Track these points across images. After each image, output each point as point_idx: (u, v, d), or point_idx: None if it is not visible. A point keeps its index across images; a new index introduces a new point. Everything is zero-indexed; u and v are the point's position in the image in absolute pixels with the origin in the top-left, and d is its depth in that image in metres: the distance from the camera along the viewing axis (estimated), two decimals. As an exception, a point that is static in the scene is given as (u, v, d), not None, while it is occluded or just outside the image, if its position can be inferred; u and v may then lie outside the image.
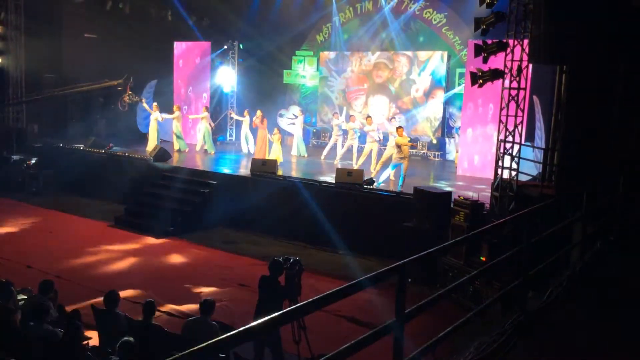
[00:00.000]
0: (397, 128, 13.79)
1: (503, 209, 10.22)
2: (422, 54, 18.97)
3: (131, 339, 5.41)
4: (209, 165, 16.30)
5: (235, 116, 18.44)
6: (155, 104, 17.92)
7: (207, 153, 18.02)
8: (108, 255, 11.69)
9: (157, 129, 17.55)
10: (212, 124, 18.81)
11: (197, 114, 18.85)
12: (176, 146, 18.08)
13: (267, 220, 13.42)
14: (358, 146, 16.40)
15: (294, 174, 14.40)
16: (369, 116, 16.24)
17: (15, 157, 17.51)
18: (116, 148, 17.47)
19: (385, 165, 14.24)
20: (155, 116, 17.48)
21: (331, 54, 20.96)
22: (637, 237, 7.45)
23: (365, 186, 12.57)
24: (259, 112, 16.96)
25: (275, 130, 16.59)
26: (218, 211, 14.10)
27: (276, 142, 16.04)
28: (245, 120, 18.19)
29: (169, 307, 8.88)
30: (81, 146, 17.65)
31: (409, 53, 19.27)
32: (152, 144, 17.25)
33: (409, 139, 13.46)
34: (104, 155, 16.90)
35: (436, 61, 18.68)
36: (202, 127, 18.21)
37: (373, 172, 14.60)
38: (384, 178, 13.54)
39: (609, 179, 7.64)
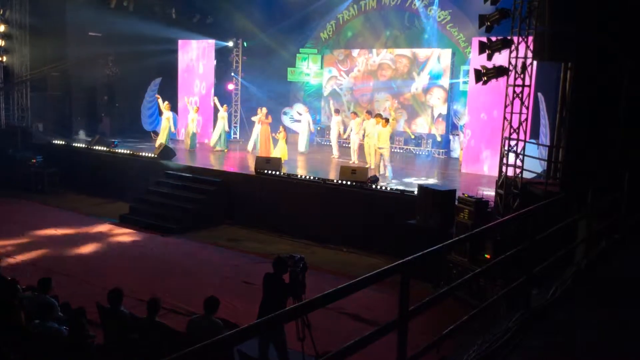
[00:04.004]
0: (375, 116, 14.70)
1: (507, 207, 10.20)
2: (421, 55, 19.19)
3: None
4: (213, 163, 16.33)
5: (254, 118, 18.34)
6: (167, 103, 17.88)
7: (217, 150, 18.02)
8: (113, 253, 11.72)
9: (169, 128, 17.53)
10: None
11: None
12: (186, 145, 18.04)
13: (271, 218, 13.46)
14: (359, 143, 16.43)
15: (298, 171, 14.42)
16: (368, 112, 16.52)
17: (20, 156, 17.58)
18: (121, 146, 17.51)
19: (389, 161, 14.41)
20: (168, 115, 17.43)
21: (340, 55, 21.02)
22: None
23: (369, 184, 12.57)
24: (264, 109, 16.94)
25: (281, 128, 16.61)
26: (222, 209, 14.15)
27: (281, 140, 16.07)
28: (305, 116, 18.54)
29: (174, 304, 8.89)
30: (86, 145, 17.70)
31: (409, 54, 19.42)
32: (164, 142, 17.32)
33: (382, 127, 14.09)
34: (108, 154, 16.94)
35: (434, 61, 18.94)
36: (221, 125, 18.12)
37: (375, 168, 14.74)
38: (390, 173, 13.66)
39: (614, 176, 7.61)
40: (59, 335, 5.77)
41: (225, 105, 18.75)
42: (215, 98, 18.92)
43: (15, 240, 12.16)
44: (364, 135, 15.84)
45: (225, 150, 18.18)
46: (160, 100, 18.06)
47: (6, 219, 13.95)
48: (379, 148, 14.34)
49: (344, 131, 17.48)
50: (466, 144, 15.70)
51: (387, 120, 14.59)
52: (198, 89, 20.01)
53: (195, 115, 17.99)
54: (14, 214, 14.54)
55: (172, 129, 17.83)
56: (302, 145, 18.51)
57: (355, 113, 17.26)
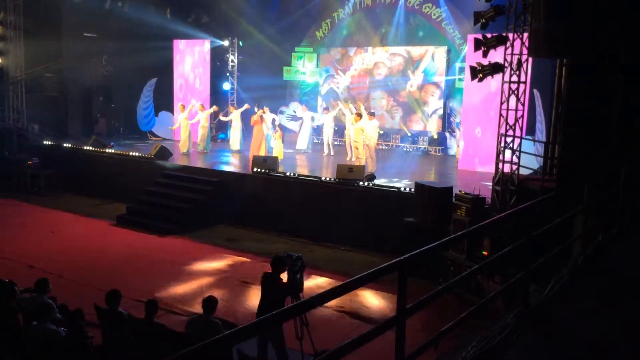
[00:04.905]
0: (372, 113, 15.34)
1: (504, 203, 10.22)
2: (416, 53, 19.21)
3: None
4: (210, 163, 16.31)
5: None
6: (180, 104, 17.68)
7: (238, 151, 17.81)
8: (110, 254, 11.69)
9: (189, 129, 17.29)
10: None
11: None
12: (200, 147, 17.75)
13: (269, 217, 13.46)
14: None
15: (295, 170, 14.40)
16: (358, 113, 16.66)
17: (16, 158, 17.54)
18: (117, 147, 17.48)
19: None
20: (185, 116, 17.24)
21: (337, 55, 21.03)
22: (639, 230, 7.45)
23: (366, 182, 12.58)
24: (260, 112, 16.82)
25: (277, 127, 16.57)
26: (220, 209, 14.13)
27: (277, 140, 16.02)
28: (306, 115, 18.70)
29: (172, 305, 8.90)
30: (82, 146, 17.67)
31: (404, 53, 19.47)
32: (184, 145, 17.15)
33: (354, 123, 15.02)
34: (105, 155, 16.90)
35: (429, 59, 18.98)
36: (238, 126, 17.82)
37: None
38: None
39: (610, 171, 7.63)
40: (57, 337, 5.76)
41: (230, 106, 18.56)
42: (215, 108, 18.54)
43: (12, 241, 12.09)
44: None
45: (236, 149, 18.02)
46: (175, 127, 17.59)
47: (3, 220, 13.92)
48: (355, 142, 14.98)
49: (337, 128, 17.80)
50: (462, 155, 15.69)
51: (359, 116, 15.08)
52: (193, 88, 20.00)
53: (205, 114, 17.70)
54: (11, 215, 14.49)
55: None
56: (302, 143, 18.50)
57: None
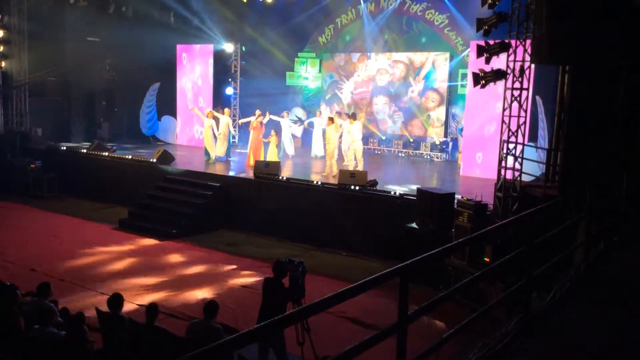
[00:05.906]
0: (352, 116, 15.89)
1: (506, 210, 10.21)
2: (419, 59, 19.28)
3: None
4: (212, 167, 16.31)
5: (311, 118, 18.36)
6: (209, 110, 17.47)
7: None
8: (112, 258, 11.69)
9: (212, 137, 16.89)
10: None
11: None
12: (220, 153, 17.12)
13: (270, 222, 13.45)
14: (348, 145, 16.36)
15: (297, 175, 14.40)
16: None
17: (18, 161, 17.58)
18: (120, 151, 17.51)
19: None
20: (210, 123, 16.81)
21: (341, 61, 21.08)
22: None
23: (368, 187, 12.57)
24: (260, 117, 16.76)
25: (272, 132, 16.53)
26: (221, 213, 14.14)
27: (272, 145, 16.00)
28: (317, 120, 18.66)
29: (173, 309, 8.89)
30: (84, 149, 17.70)
31: (406, 60, 19.56)
32: (211, 152, 16.90)
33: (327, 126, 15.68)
34: (107, 159, 16.93)
35: (431, 65, 19.04)
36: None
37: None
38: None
39: (612, 178, 7.62)
40: (58, 341, 5.76)
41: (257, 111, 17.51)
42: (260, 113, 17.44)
43: (14, 245, 12.08)
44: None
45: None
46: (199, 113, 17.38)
47: (5, 223, 13.93)
48: (327, 144, 15.49)
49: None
50: (464, 165, 15.69)
51: (331, 120, 15.63)
52: (196, 93, 20.05)
53: (227, 120, 17.20)
54: (13, 219, 14.51)
55: (217, 133, 16.95)
56: (317, 149, 18.47)
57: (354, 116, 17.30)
